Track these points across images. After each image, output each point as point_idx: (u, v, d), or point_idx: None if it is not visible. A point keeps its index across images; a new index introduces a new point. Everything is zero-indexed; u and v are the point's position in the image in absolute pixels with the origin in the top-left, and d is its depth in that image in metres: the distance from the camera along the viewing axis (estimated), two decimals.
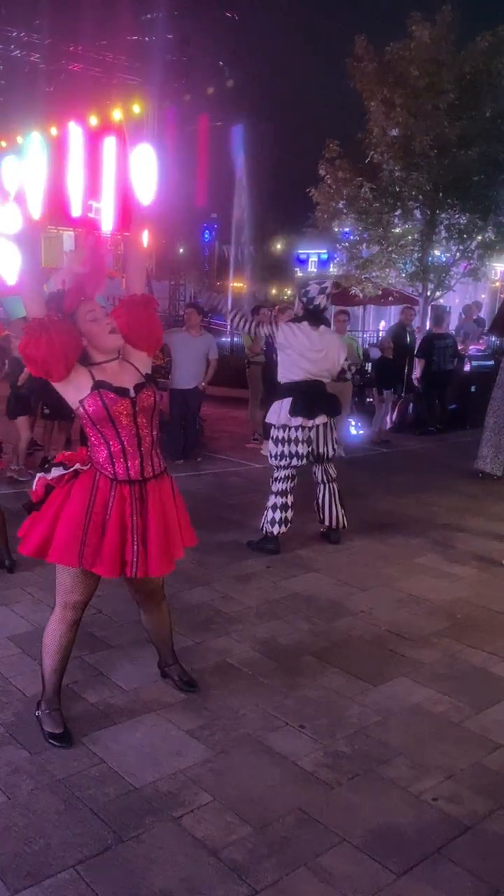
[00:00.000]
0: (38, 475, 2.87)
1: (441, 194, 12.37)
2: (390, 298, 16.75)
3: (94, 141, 17.24)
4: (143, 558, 2.82)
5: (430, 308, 12.93)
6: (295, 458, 5.21)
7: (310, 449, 5.26)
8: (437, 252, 13.13)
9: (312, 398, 5.20)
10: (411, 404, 10.83)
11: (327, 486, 5.46)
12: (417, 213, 12.87)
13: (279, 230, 37.93)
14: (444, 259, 13.29)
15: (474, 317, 12.87)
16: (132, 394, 2.80)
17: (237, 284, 33.99)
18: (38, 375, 2.75)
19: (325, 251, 30.67)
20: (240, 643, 3.86)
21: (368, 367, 10.58)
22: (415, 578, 4.89)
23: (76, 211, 17.48)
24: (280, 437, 5.21)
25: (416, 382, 10.44)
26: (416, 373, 10.30)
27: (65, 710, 3.04)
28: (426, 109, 11.53)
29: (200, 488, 6.92)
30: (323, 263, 33.60)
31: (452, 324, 12.70)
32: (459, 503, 6.78)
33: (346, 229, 13.84)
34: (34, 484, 2.88)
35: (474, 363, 11.69)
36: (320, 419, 5.24)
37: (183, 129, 19.65)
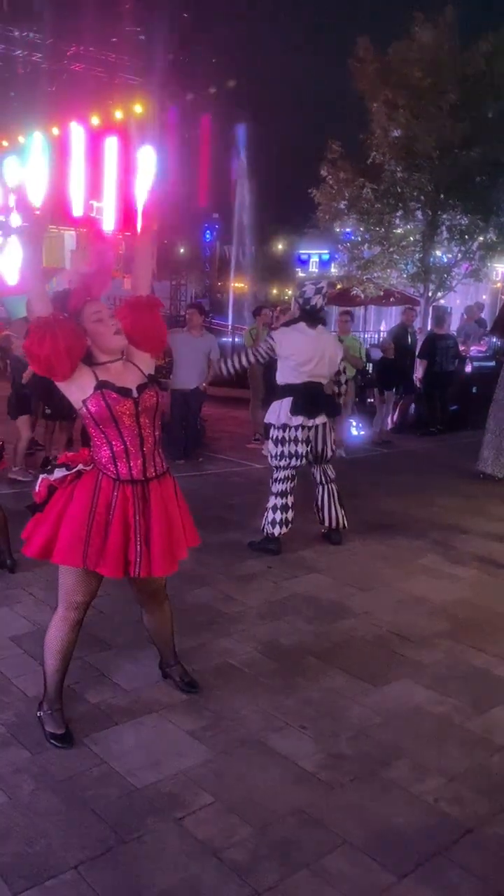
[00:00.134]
0: (41, 476, 2.87)
1: (443, 195, 12.37)
2: (391, 299, 16.74)
3: (95, 141, 17.26)
4: (146, 558, 2.82)
5: (430, 309, 12.93)
6: (294, 458, 5.21)
7: (309, 449, 5.26)
8: (438, 253, 13.13)
9: (312, 398, 5.20)
10: (413, 405, 10.84)
11: (326, 486, 5.46)
12: (419, 214, 12.87)
13: (280, 230, 37.95)
14: (445, 260, 13.29)
15: (476, 318, 12.88)
16: (135, 394, 2.81)
17: (238, 285, 33.98)
18: (41, 374, 2.75)
19: (326, 252, 30.69)
20: (241, 644, 3.86)
21: (370, 367, 10.58)
22: (416, 579, 4.89)
23: (78, 211, 17.50)
24: (280, 437, 5.21)
25: (417, 383, 10.44)
26: (419, 373, 10.31)
27: (66, 710, 3.04)
28: (428, 110, 11.53)
29: (201, 488, 6.91)
30: (324, 264, 33.59)
31: (453, 325, 12.70)
32: (460, 504, 6.78)
33: (348, 230, 13.84)
34: (37, 485, 2.88)
35: (475, 364, 11.71)
36: (320, 419, 5.25)
37: (184, 129, 19.66)
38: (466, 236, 12.60)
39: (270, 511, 5.28)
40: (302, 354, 5.12)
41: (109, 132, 17.44)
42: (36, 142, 16.81)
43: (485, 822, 2.60)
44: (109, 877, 2.30)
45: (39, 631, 3.81)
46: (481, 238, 12.70)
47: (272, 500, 5.29)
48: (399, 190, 12.49)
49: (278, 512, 5.25)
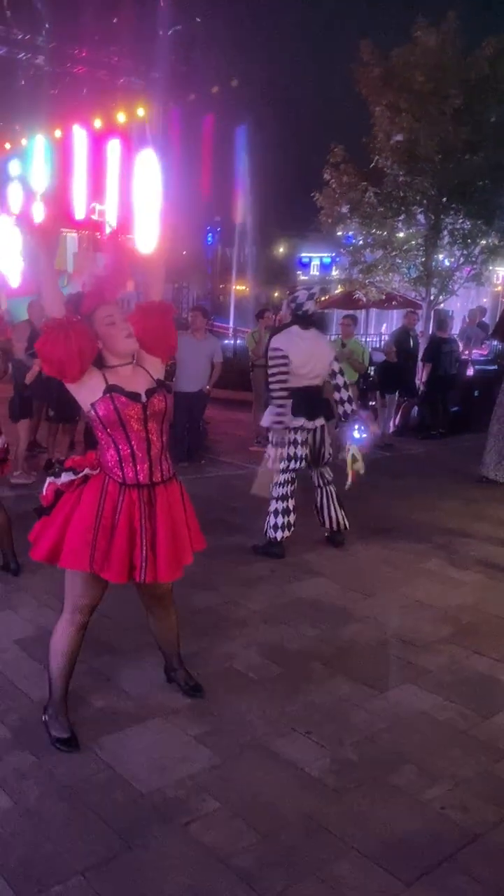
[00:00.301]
0: (49, 480, 2.87)
1: (445, 199, 12.36)
2: (394, 303, 16.76)
3: (98, 143, 17.28)
4: (151, 563, 2.82)
5: (432, 312, 12.93)
6: (294, 461, 5.20)
7: (307, 451, 5.26)
8: (440, 256, 13.12)
9: (311, 400, 5.20)
10: (415, 408, 10.84)
11: (324, 489, 5.46)
12: (421, 218, 12.86)
13: (282, 233, 37.95)
14: (447, 264, 13.28)
15: (477, 321, 12.90)
16: (143, 398, 2.81)
17: (240, 287, 34.00)
18: (52, 375, 2.76)
19: (327, 255, 30.71)
20: (246, 648, 3.86)
21: (372, 370, 10.58)
22: (419, 584, 4.88)
23: (80, 213, 17.51)
24: (280, 441, 5.20)
25: (422, 386, 10.45)
26: (423, 376, 10.31)
27: (71, 714, 3.03)
28: (431, 114, 11.52)
29: (204, 491, 6.90)
30: (325, 267, 33.61)
31: (454, 328, 12.71)
32: (463, 508, 6.77)
33: (350, 233, 13.84)
34: (44, 488, 2.88)
35: (477, 367, 11.72)
36: (319, 421, 5.26)
37: (187, 132, 19.69)
38: (469, 240, 12.60)
39: (272, 515, 5.27)
40: (298, 358, 5.11)
41: (112, 135, 17.46)
42: (38, 144, 16.83)
43: (491, 828, 2.60)
44: (115, 883, 2.29)
45: (43, 634, 3.80)
46: (483, 242, 12.70)
47: (273, 505, 5.28)
48: (402, 194, 12.48)
49: (280, 516, 5.24)
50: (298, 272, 35.75)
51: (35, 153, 16.69)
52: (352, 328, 9.15)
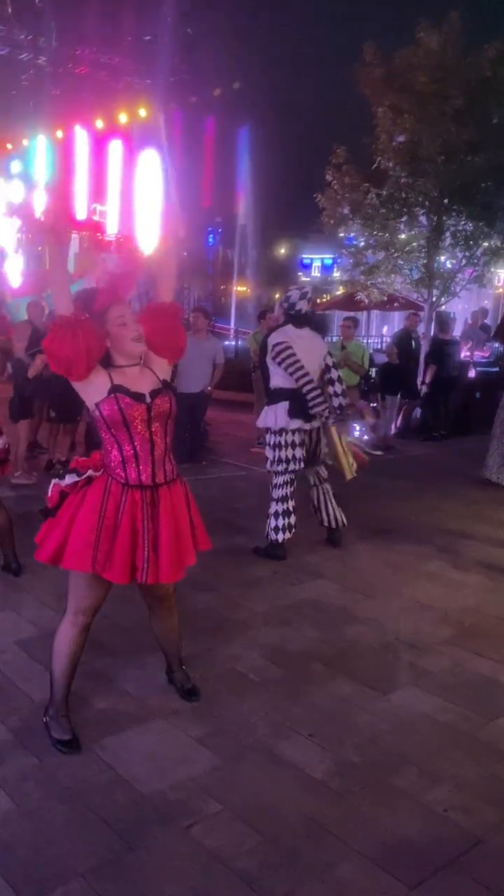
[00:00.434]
0: (53, 481, 2.88)
1: (447, 201, 12.35)
2: (395, 304, 16.74)
3: (99, 144, 17.30)
4: (153, 565, 2.81)
5: (434, 314, 12.91)
6: (293, 462, 5.19)
7: (303, 452, 5.25)
8: (442, 258, 13.10)
9: (308, 401, 5.19)
10: (417, 409, 10.83)
11: (320, 487, 5.45)
12: (423, 220, 12.84)
13: (283, 235, 37.98)
14: (448, 265, 13.27)
15: (479, 324, 12.89)
16: (148, 399, 2.81)
17: (241, 288, 34.04)
18: (59, 373, 2.76)
19: (329, 256, 30.74)
20: (247, 650, 3.85)
21: (373, 372, 10.57)
22: (421, 586, 4.87)
23: (81, 214, 17.53)
24: (278, 442, 5.20)
25: (425, 388, 10.44)
26: (427, 378, 10.30)
27: (72, 715, 3.02)
28: (433, 116, 11.51)
29: (205, 492, 6.89)
30: (326, 268, 33.65)
31: (456, 330, 12.70)
32: (465, 510, 6.76)
33: (352, 235, 13.82)
34: (49, 490, 2.88)
35: (479, 369, 11.73)
36: (316, 422, 5.25)
37: (188, 133, 19.69)
38: (471, 242, 12.58)
39: (273, 517, 5.26)
40: (298, 356, 5.10)
41: (113, 135, 17.48)
42: (40, 145, 16.86)
43: (494, 831, 2.59)
44: (117, 885, 2.28)
45: (45, 635, 3.79)
46: (486, 244, 12.68)
47: (274, 507, 5.27)
48: (404, 195, 12.47)
49: (280, 518, 5.23)
50: (299, 273, 35.78)
51: (37, 153, 16.72)
52: (352, 330, 9.15)
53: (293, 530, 5.25)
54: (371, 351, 12.09)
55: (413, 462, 9.17)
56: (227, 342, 16.82)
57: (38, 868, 2.34)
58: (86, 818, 2.56)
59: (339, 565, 5.19)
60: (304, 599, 4.56)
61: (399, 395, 10.14)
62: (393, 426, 10.30)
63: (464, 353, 11.81)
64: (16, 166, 17.45)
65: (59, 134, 17.42)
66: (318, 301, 24.27)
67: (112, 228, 17.93)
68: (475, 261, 12.99)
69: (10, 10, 19.65)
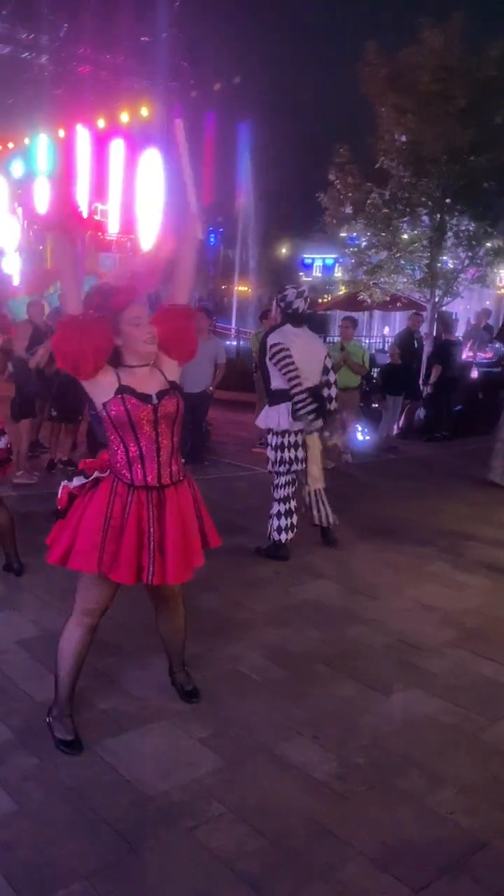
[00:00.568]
0: (63, 483, 2.89)
1: (450, 201, 12.32)
2: (398, 304, 16.71)
3: (101, 143, 17.27)
4: (159, 566, 2.80)
5: (436, 315, 12.89)
6: (295, 463, 5.18)
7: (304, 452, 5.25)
8: (445, 258, 13.08)
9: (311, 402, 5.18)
10: (420, 410, 10.82)
11: (312, 486, 5.43)
12: (426, 220, 12.82)
13: (284, 234, 37.97)
14: (451, 266, 13.25)
15: (483, 324, 12.88)
16: (154, 400, 2.80)
17: (242, 288, 34.01)
18: (67, 371, 2.76)
19: (330, 256, 30.71)
20: (250, 650, 3.83)
21: (375, 372, 10.56)
22: (424, 587, 4.86)
23: (83, 213, 17.49)
24: (280, 443, 5.18)
25: (429, 388, 10.43)
26: (433, 378, 10.29)
27: (75, 716, 3.01)
28: (437, 115, 11.49)
29: (207, 493, 6.80)
30: (327, 268, 33.62)
31: (458, 330, 12.69)
32: (467, 511, 6.75)
33: (354, 234, 13.80)
34: (59, 492, 2.89)
35: (481, 370, 11.72)
36: (317, 423, 5.23)
37: (189, 133, 19.65)
38: (474, 242, 12.56)
39: (275, 518, 5.25)
40: (296, 357, 5.07)
41: (115, 135, 17.46)
42: (41, 144, 16.84)
43: (499, 834, 2.57)
44: (120, 888, 2.27)
45: (46, 635, 3.79)
46: (489, 244, 12.66)
47: (276, 507, 5.26)
48: (406, 195, 12.45)
49: (283, 518, 5.22)
50: (301, 273, 35.76)
51: (38, 152, 16.70)
52: (351, 330, 9.11)
53: (295, 530, 5.24)
54: (373, 351, 12.07)
55: (415, 463, 9.15)
56: (228, 342, 16.78)
57: (39, 869, 2.32)
58: (88, 819, 2.55)
59: (342, 566, 5.18)
60: (306, 600, 4.54)
61: (402, 396, 10.12)
62: (395, 427, 10.28)
63: (466, 354, 11.80)
64: (18, 165, 17.43)
65: (62, 133, 17.40)
66: (320, 301, 24.29)
67: (113, 228, 17.90)
68: (478, 261, 12.97)
69: (10, 9, 19.65)
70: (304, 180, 17.01)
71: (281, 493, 5.25)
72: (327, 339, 10.88)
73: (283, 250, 40.14)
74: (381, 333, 22.61)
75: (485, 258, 12.99)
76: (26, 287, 14.08)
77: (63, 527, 2.84)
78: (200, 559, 2.98)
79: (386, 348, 13.96)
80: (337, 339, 10.48)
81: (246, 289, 34.55)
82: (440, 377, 10.19)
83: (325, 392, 5.33)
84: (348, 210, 13.07)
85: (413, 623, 4.28)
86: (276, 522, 5.23)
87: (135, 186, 16.36)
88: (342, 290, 18.89)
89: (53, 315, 7.74)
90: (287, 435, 5.15)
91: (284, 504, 5.24)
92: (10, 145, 18.19)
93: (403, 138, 12.21)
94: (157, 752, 2.94)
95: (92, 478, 2.83)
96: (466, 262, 13.02)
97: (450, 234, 12.70)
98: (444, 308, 13.45)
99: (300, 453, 5.18)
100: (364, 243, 13.52)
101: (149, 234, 15.84)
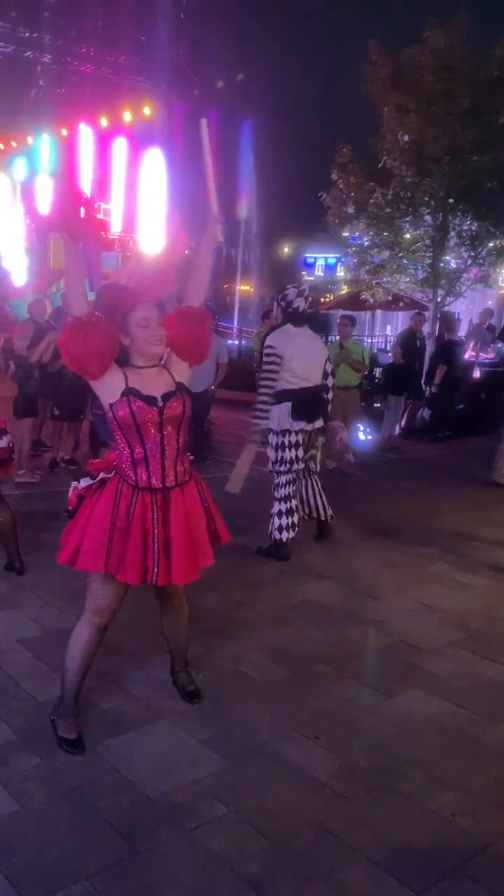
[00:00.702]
0: (72, 484, 2.90)
1: (453, 200, 12.31)
2: (400, 304, 16.70)
3: (104, 142, 17.27)
4: (164, 566, 2.80)
5: (439, 315, 12.87)
6: (296, 463, 5.19)
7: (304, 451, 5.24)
8: (447, 258, 13.06)
9: (311, 402, 5.18)
10: (423, 409, 10.81)
11: (309, 479, 5.43)
12: (429, 219, 12.81)
13: (287, 234, 37.91)
14: (454, 265, 13.23)
15: (486, 323, 12.86)
16: (160, 403, 2.79)
17: (244, 288, 33.96)
18: (75, 371, 2.76)
19: (332, 255, 30.64)
20: (252, 651, 3.83)
21: (377, 372, 10.54)
22: (426, 587, 4.85)
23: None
24: (280, 443, 5.17)
25: (433, 388, 10.42)
26: (438, 378, 10.27)
27: (77, 716, 3.00)
28: (439, 115, 11.47)
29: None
30: (330, 268, 33.54)
31: (460, 330, 12.68)
32: (470, 511, 6.73)
33: (356, 234, 13.80)
34: (69, 493, 2.90)
35: (484, 370, 11.71)
36: (318, 422, 5.23)
37: (191, 127, 19.67)
38: (476, 242, 12.55)
39: (276, 517, 5.24)
40: (296, 357, 5.07)
41: (118, 133, 17.46)
42: (44, 143, 16.84)
43: (502, 837, 2.56)
44: (121, 888, 2.26)
45: (47, 634, 3.79)
46: (491, 244, 12.64)
47: (277, 506, 5.25)
48: (409, 195, 12.43)
49: (284, 517, 5.21)
50: (303, 272, 35.69)
51: (41, 151, 16.70)
52: (349, 329, 9.06)
53: (296, 528, 5.23)
54: (375, 351, 12.05)
55: (418, 463, 9.14)
56: (230, 341, 16.78)
57: (40, 869, 2.32)
58: (90, 820, 2.54)
59: (344, 566, 5.17)
60: (308, 600, 4.54)
61: (404, 396, 10.10)
62: (398, 427, 10.26)
63: (468, 354, 11.78)
64: (21, 164, 17.43)
65: (64, 132, 17.41)
66: (322, 300, 24.25)
67: (116, 227, 17.90)
68: (480, 261, 12.96)
69: (13, 8, 19.66)
70: (306, 180, 16.99)
71: (282, 492, 5.24)
72: (328, 339, 10.84)
73: (286, 249, 40.08)
74: (383, 333, 22.57)
75: (487, 258, 12.98)
76: (28, 285, 14.09)
77: (72, 527, 2.85)
78: (209, 559, 2.98)
79: (388, 348, 13.93)
80: (337, 338, 10.47)
81: (248, 288, 34.51)
82: (445, 376, 10.17)
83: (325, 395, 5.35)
84: (351, 209, 13.06)
85: (415, 624, 4.27)
86: (277, 521, 5.22)
87: (137, 185, 16.36)
88: (344, 290, 18.85)
89: (55, 314, 7.73)
90: (288, 435, 5.15)
91: (285, 503, 5.23)
92: (14, 144, 18.19)
93: (406, 138, 12.19)
94: (159, 752, 2.93)
95: (98, 478, 2.83)
96: (469, 261, 13.01)
97: (452, 233, 12.69)
98: (446, 308, 13.43)
99: (301, 453, 5.18)
100: (366, 243, 13.51)
101: (150, 233, 15.82)
